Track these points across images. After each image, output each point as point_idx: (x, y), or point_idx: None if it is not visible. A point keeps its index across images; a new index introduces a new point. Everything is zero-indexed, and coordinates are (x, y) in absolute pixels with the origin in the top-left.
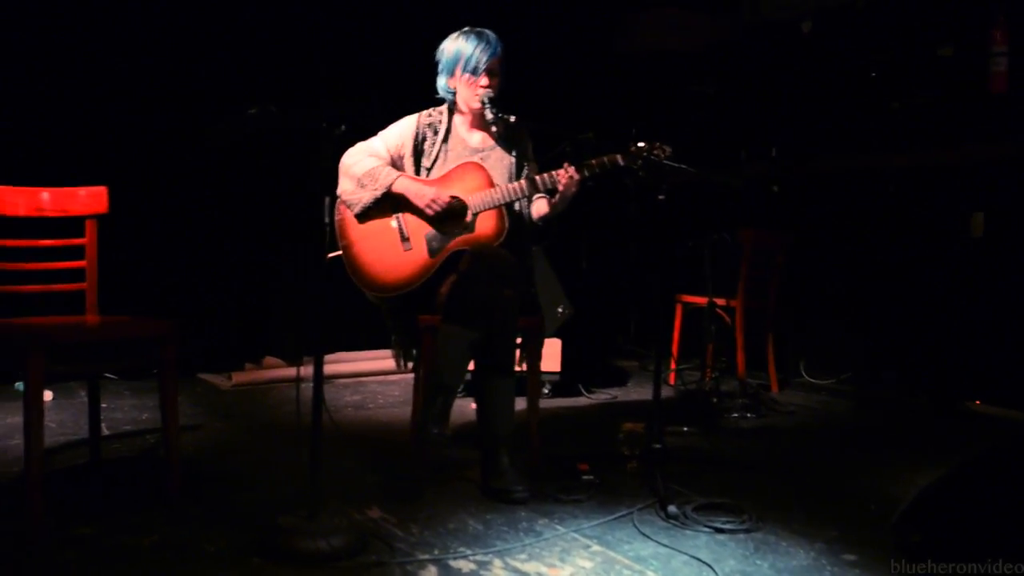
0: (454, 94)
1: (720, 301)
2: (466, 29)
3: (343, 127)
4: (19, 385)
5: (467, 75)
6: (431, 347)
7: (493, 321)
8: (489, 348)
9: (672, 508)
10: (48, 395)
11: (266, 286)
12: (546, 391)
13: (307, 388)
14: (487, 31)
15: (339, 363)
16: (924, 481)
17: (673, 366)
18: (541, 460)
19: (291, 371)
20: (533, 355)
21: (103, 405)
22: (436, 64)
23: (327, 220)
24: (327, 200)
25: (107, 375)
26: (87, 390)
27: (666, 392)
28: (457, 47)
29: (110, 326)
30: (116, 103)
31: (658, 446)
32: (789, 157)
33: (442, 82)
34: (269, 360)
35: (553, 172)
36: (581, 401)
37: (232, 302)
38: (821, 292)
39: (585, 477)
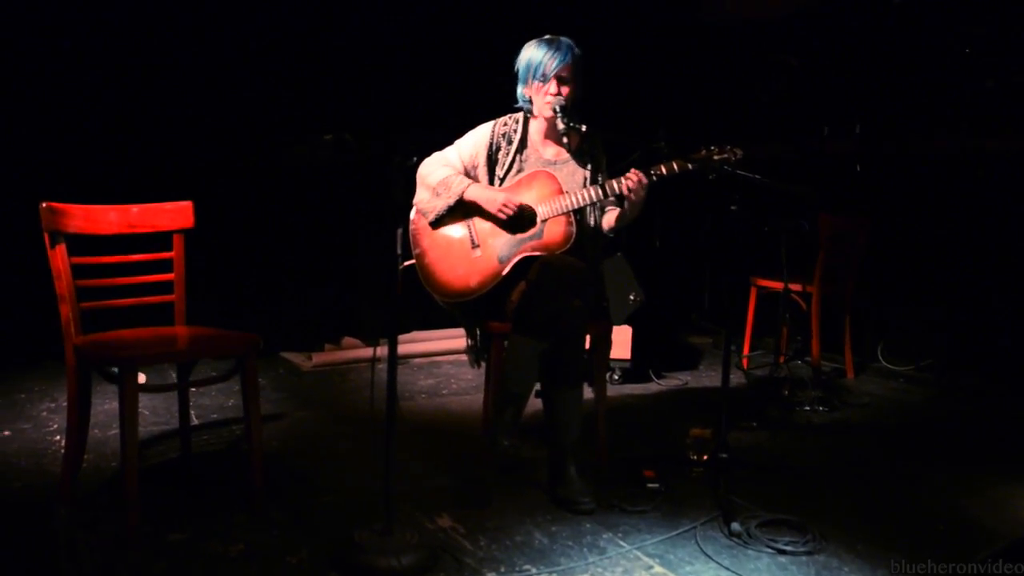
0: (530, 102)
1: (796, 287)
2: (543, 37)
3: (414, 159)
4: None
5: (537, 82)
6: (500, 354)
7: (561, 331)
8: (557, 358)
9: (735, 525)
10: (142, 378)
11: (346, 270)
12: (616, 377)
13: (382, 371)
14: (562, 39)
15: (414, 343)
16: (1007, 497)
17: (746, 351)
18: (607, 462)
19: (369, 351)
20: (601, 359)
21: (191, 390)
22: (516, 73)
23: (399, 252)
24: (399, 232)
25: None
26: (177, 377)
27: (737, 378)
28: (530, 55)
29: (196, 343)
30: (200, 126)
31: (724, 455)
32: (874, 135)
33: (519, 91)
34: (347, 340)
35: (621, 177)
36: (651, 388)
37: (314, 285)
38: (904, 274)
39: (651, 485)
